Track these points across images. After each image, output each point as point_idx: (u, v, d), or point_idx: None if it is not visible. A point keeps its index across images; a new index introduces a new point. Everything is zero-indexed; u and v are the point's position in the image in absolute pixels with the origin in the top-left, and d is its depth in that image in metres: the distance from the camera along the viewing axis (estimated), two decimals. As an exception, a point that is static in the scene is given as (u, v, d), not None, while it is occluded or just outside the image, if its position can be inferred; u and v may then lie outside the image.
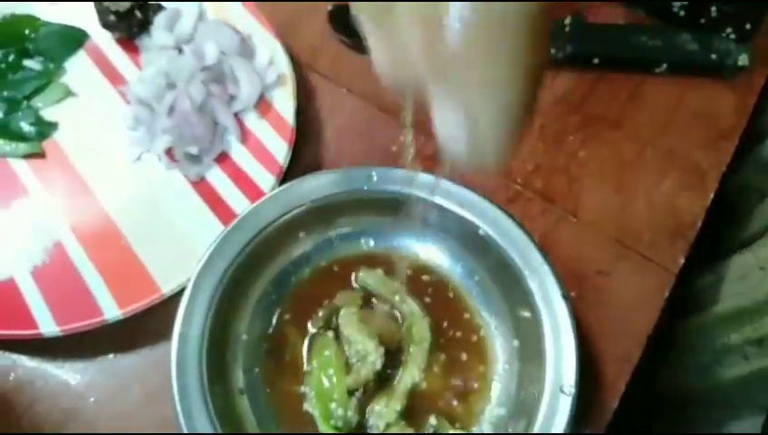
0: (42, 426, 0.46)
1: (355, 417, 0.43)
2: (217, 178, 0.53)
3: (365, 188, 0.47)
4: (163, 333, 0.46)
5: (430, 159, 0.43)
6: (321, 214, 0.48)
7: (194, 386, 0.40)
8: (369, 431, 0.43)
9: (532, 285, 0.44)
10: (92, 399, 0.47)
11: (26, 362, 0.48)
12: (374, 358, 0.44)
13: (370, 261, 0.49)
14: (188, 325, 0.42)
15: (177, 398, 0.40)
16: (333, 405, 0.43)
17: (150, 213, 0.52)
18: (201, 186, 0.53)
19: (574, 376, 0.41)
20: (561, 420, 0.40)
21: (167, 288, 0.47)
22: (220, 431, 0.40)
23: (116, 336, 0.48)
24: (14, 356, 0.48)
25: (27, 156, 0.53)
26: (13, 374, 0.47)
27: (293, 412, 0.44)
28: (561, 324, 0.43)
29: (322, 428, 0.43)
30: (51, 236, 0.50)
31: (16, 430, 0.45)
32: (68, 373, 0.48)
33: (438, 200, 0.47)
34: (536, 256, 0.45)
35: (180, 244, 0.50)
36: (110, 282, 0.48)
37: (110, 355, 0.48)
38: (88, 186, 0.53)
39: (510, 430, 0.42)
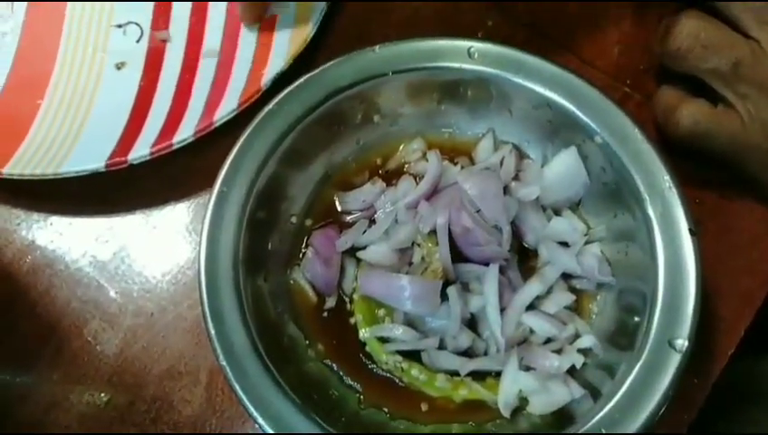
0: (59, 317, 0.41)
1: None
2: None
3: (460, 65, 0.39)
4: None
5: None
6: (402, 91, 0.40)
7: (225, 274, 0.34)
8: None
9: (653, 212, 0.35)
10: (115, 291, 0.42)
11: (44, 243, 0.43)
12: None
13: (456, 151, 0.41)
14: (225, 203, 0.36)
15: (203, 286, 0.34)
16: (381, 312, 0.36)
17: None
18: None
19: (688, 329, 0.32)
20: (662, 380, 0.31)
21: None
22: (251, 324, 0.34)
23: (146, 223, 0.43)
24: (31, 237, 0.43)
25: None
26: (29, 257, 0.43)
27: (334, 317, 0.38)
28: (683, 266, 0.33)
29: (364, 334, 0.36)
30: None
31: (29, 317, 0.41)
32: (90, 260, 0.43)
33: (547, 92, 0.38)
34: (664, 178, 0.35)
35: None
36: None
37: (137, 248, 0.43)
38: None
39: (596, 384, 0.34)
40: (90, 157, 0.42)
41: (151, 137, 0.42)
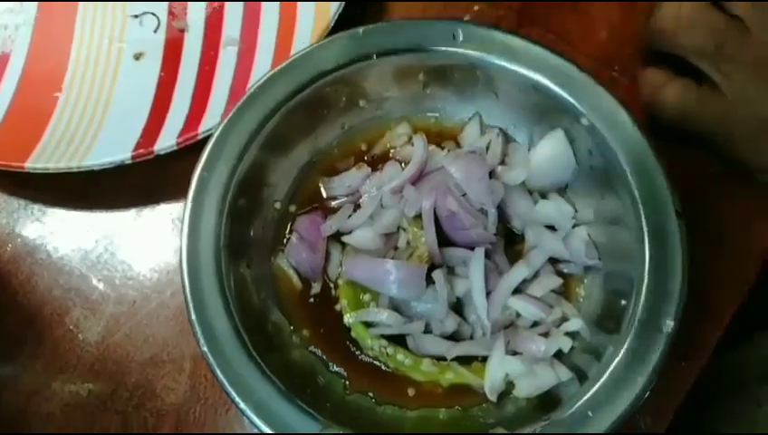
0: (40, 305, 0.41)
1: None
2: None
3: (446, 48, 0.38)
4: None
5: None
6: (387, 74, 0.39)
7: (207, 261, 0.34)
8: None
9: (640, 195, 0.35)
10: (98, 279, 0.41)
11: (25, 231, 0.43)
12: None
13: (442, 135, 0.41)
14: (207, 184, 0.35)
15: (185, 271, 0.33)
16: (366, 297, 0.36)
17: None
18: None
19: (675, 311, 0.32)
20: (648, 362, 0.31)
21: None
22: (234, 311, 0.33)
23: (128, 211, 0.43)
24: (11, 225, 0.43)
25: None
26: (10, 245, 0.42)
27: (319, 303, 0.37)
28: (669, 249, 0.33)
29: (349, 319, 0.36)
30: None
31: (9, 306, 0.40)
32: (72, 248, 0.42)
33: (533, 75, 0.37)
34: (650, 160, 0.35)
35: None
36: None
37: (119, 236, 0.43)
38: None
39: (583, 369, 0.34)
40: (114, 148, 0.41)
41: (176, 127, 0.42)
